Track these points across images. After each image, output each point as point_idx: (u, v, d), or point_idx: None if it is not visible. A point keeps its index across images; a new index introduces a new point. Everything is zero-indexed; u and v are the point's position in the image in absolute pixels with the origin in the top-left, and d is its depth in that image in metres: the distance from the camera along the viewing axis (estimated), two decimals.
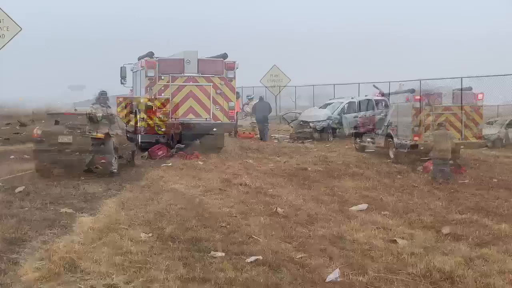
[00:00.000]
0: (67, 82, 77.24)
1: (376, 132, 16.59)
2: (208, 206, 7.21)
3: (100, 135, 10.03)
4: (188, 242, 5.18)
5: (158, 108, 21.17)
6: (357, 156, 17.71)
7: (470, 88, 13.86)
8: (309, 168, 13.91)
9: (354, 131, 20.14)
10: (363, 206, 7.96)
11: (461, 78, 15.70)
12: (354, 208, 7.77)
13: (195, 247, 5.03)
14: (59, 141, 9.71)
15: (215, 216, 6.60)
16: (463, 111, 13.24)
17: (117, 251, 4.74)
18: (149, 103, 21.12)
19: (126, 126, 14.31)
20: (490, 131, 19.23)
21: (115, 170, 10.73)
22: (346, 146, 18.64)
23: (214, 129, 12.35)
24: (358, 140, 19.53)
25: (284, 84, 18.63)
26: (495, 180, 10.81)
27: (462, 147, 13.65)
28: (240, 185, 9.77)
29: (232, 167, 11.74)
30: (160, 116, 21.24)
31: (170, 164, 12.21)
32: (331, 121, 19.51)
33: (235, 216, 6.68)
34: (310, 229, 6.20)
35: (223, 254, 4.84)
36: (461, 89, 13.90)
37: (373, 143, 17.33)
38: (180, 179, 9.93)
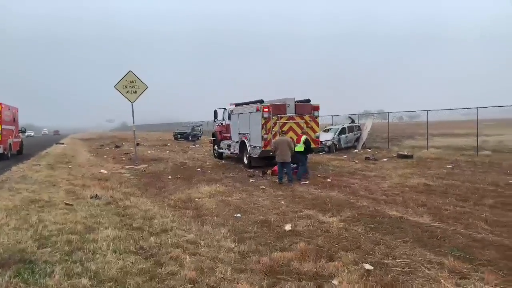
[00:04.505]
0: None
1: (232, 140, 17.46)
2: (48, 224, 6.51)
3: None
4: (20, 266, 4.58)
5: None
6: (215, 162, 18.21)
7: (308, 100, 15.72)
8: (170, 177, 13.86)
9: (213, 138, 20.79)
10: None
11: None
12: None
13: (28, 271, 4.48)
14: None
15: (57, 234, 6.00)
16: (304, 121, 15.00)
17: None
18: None
19: None
20: (326, 138, 22.17)
21: None
22: (206, 153, 19.01)
23: None
24: (216, 147, 20.21)
25: (142, 91, 18.05)
26: (329, 180, 12.51)
27: None
28: (91, 197, 9.16)
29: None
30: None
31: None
32: None
33: (81, 232, 6.19)
34: (162, 238, 6.17)
35: (64, 275, 4.43)
36: (301, 101, 15.69)
37: (229, 150, 18.19)
38: (14, 195, 8.75)
